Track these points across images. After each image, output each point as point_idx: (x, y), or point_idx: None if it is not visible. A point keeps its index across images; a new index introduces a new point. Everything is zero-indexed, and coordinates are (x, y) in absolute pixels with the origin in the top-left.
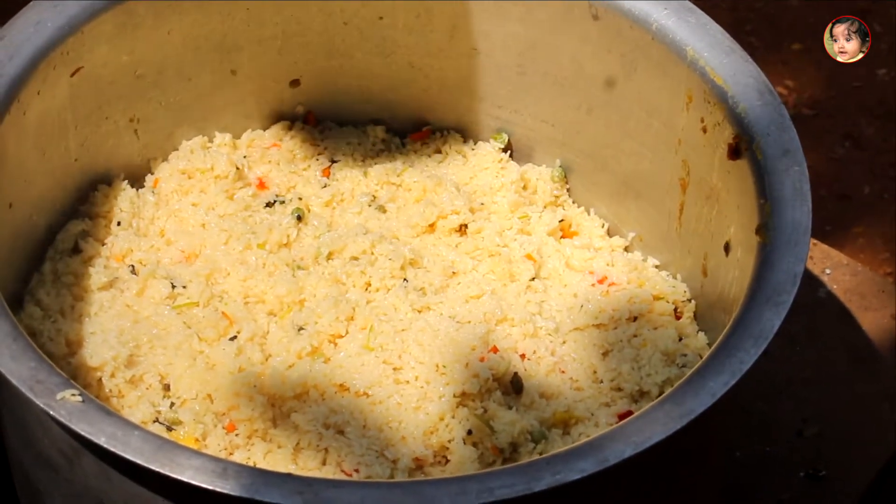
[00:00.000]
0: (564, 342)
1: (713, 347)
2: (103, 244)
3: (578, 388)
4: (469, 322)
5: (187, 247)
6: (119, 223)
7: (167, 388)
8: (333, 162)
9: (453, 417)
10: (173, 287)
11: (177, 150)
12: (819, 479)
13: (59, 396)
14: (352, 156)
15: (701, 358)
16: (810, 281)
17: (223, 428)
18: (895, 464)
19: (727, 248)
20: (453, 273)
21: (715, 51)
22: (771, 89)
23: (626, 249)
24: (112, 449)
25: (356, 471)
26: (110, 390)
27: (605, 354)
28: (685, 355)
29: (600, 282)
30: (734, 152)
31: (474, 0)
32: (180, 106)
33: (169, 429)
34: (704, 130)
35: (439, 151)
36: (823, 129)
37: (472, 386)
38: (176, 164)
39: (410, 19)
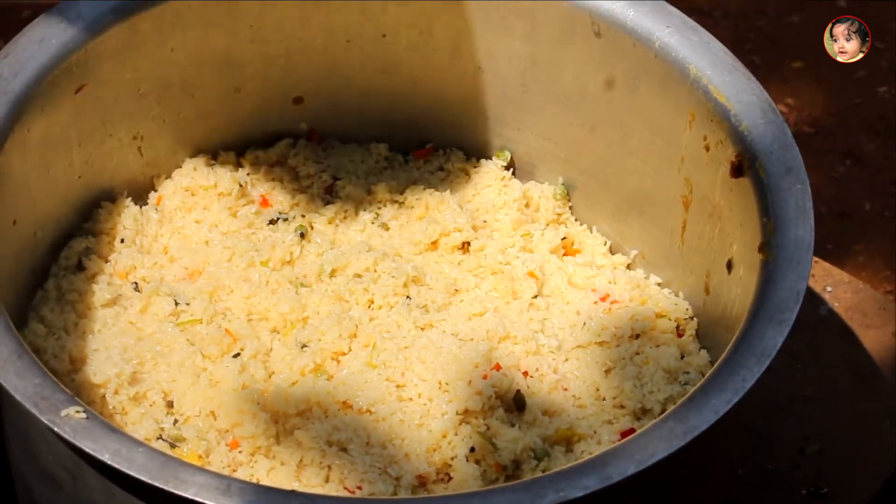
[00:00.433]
0: (567, 360)
1: (716, 365)
2: (107, 261)
3: (581, 405)
4: (472, 339)
5: (191, 264)
6: (122, 240)
7: (170, 405)
8: (336, 179)
9: (456, 435)
10: (176, 304)
11: (180, 167)
12: (821, 497)
13: (63, 413)
14: (355, 173)
15: (703, 376)
16: (812, 298)
17: (226, 445)
18: None
19: (730, 265)
20: (456, 290)
21: (717, 69)
22: (773, 107)
23: (629, 267)
24: (116, 466)
25: (359, 488)
26: (114, 407)
27: (607, 372)
28: (687, 373)
29: (603, 299)
30: (737, 170)
31: (477, 18)
32: (184, 123)
33: (172, 446)
34: (707, 148)
35: (442, 169)
36: (824, 146)
37: (474, 403)
38: (179, 181)
39: (413, 37)
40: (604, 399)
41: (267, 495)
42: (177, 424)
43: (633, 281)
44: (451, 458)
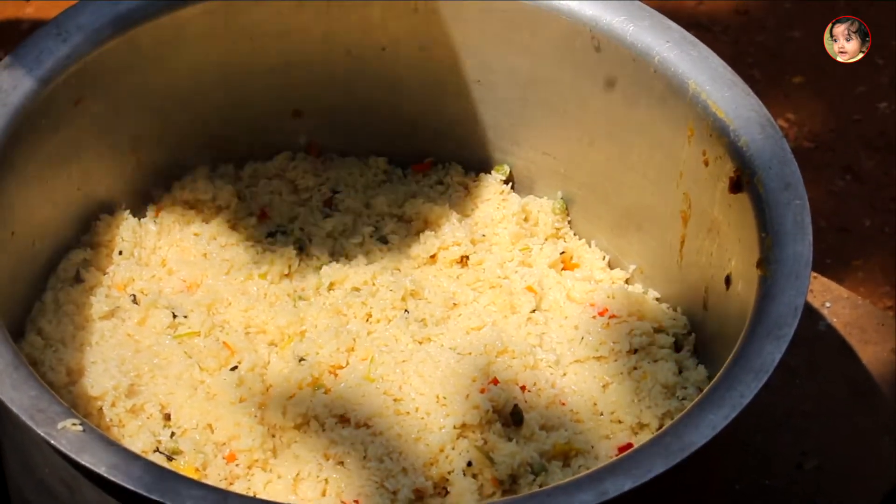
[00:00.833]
0: (565, 374)
1: (713, 381)
2: (105, 273)
3: (578, 420)
4: (470, 354)
5: (189, 276)
6: (121, 252)
7: (168, 417)
8: (335, 193)
9: (453, 449)
10: (174, 317)
11: (179, 179)
12: None
13: (60, 426)
14: (353, 187)
15: (701, 391)
16: (810, 314)
17: (223, 458)
18: (894, 498)
19: (728, 281)
20: (454, 304)
21: (717, 84)
22: (772, 123)
23: (627, 282)
24: (113, 479)
25: (356, 502)
26: (111, 419)
27: (605, 387)
28: (685, 388)
29: (601, 314)
30: (735, 186)
31: (476, 31)
32: (183, 136)
33: (169, 458)
34: (706, 164)
35: (441, 183)
36: (824, 162)
37: (472, 417)
38: (178, 193)
39: (413, 51)
40: (601, 414)
41: None
42: (174, 437)
43: (631, 296)
44: (449, 473)
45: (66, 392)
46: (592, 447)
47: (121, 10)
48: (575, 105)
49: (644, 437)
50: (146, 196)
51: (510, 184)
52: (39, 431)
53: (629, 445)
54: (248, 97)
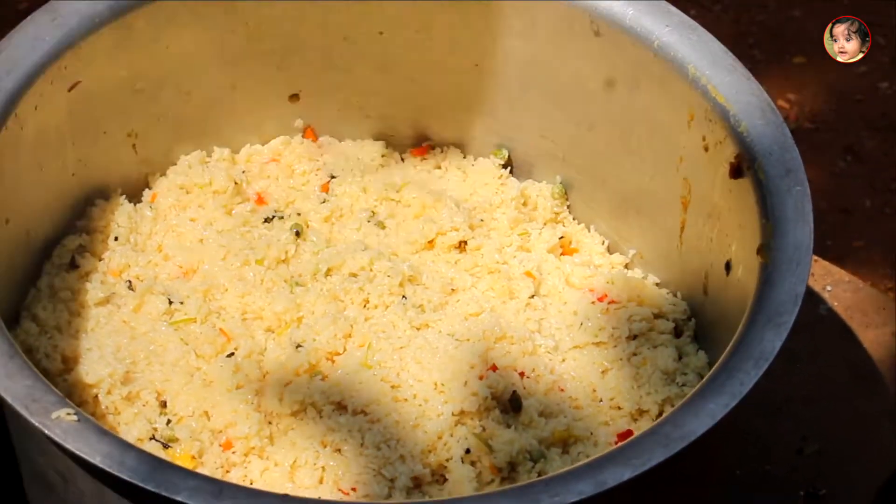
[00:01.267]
0: (564, 360)
1: (713, 368)
2: (100, 259)
3: (577, 406)
4: (468, 340)
5: (185, 262)
6: (116, 238)
7: (164, 404)
8: (332, 177)
9: (451, 436)
10: (170, 303)
11: (175, 164)
12: (819, 499)
13: (54, 415)
14: (351, 171)
15: (701, 377)
16: (811, 298)
17: (220, 445)
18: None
19: (728, 266)
20: (452, 290)
21: (717, 69)
22: (773, 108)
23: (627, 267)
24: (107, 469)
25: (353, 489)
26: (106, 407)
27: (604, 373)
28: (685, 374)
29: (600, 299)
30: (736, 171)
31: (475, 15)
32: (179, 121)
33: (165, 446)
34: (706, 149)
35: (439, 167)
36: (825, 142)
37: (470, 404)
38: (174, 179)
39: (410, 34)
40: (601, 400)
41: (258, 499)
42: (170, 424)
43: (630, 281)
44: (447, 460)
45: (62, 380)
46: (591, 434)
47: None
48: (574, 89)
49: (644, 424)
50: (142, 181)
51: (509, 168)
52: (33, 421)
53: (629, 432)
54: (243, 81)
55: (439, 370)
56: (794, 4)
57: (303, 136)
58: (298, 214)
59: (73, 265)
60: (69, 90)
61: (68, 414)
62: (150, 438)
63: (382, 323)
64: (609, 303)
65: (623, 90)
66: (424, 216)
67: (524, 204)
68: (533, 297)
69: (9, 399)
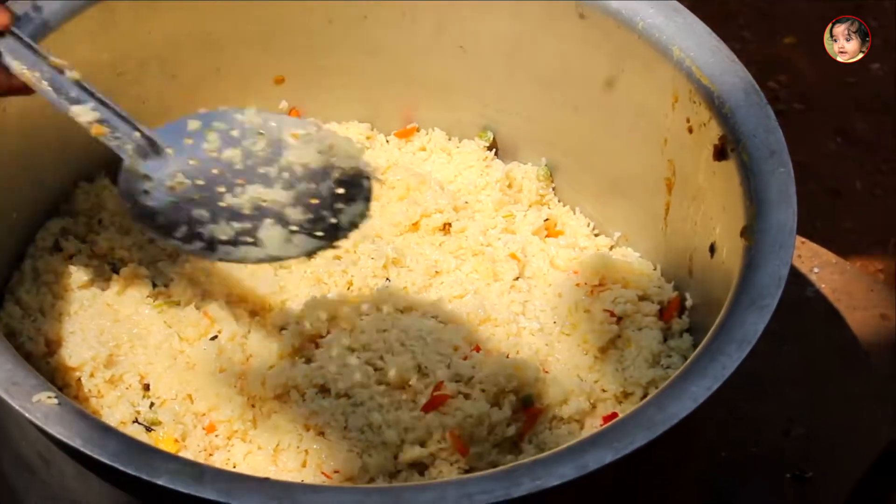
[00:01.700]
0: (548, 343)
1: (696, 351)
2: (84, 242)
3: (562, 389)
4: (452, 322)
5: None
6: (100, 221)
7: (147, 388)
8: None
9: (435, 419)
10: (154, 286)
11: None
12: (805, 481)
13: (34, 399)
14: None
15: (685, 359)
16: (798, 280)
17: (203, 429)
18: (882, 464)
19: (712, 249)
20: (436, 272)
21: (701, 50)
22: (757, 90)
23: (612, 249)
24: (88, 452)
25: (336, 472)
26: (90, 390)
27: (589, 355)
28: (670, 356)
29: (585, 282)
30: (720, 153)
31: None
32: (163, 103)
33: (148, 429)
34: (690, 130)
35: (423, 149)
36: (815, 123)
37: (454, 386)
38: None
39: (395, 17)
40: (585, 382)
41: (240, 483)
42: (153, 408)
43: (616, 263)
44: (430, 444)
45: (45, 363)
46: (576, 416)
47: None
48: (559, 72)
49: (629, 407)
50: None
51: (494, 150)
52: (14, 404)
53: (614, 415)
54: (228, 64)
55: (423, 353)
56: None
57: None
58: None
59: (57, 248)
60: None
61: (49, 397)
62: (133, 422)
63: (366, 306)
64: (594, 285)
65: (608, 73)
66: (409, 198)
67: (509, 186)
68: (517, 279)
69: None
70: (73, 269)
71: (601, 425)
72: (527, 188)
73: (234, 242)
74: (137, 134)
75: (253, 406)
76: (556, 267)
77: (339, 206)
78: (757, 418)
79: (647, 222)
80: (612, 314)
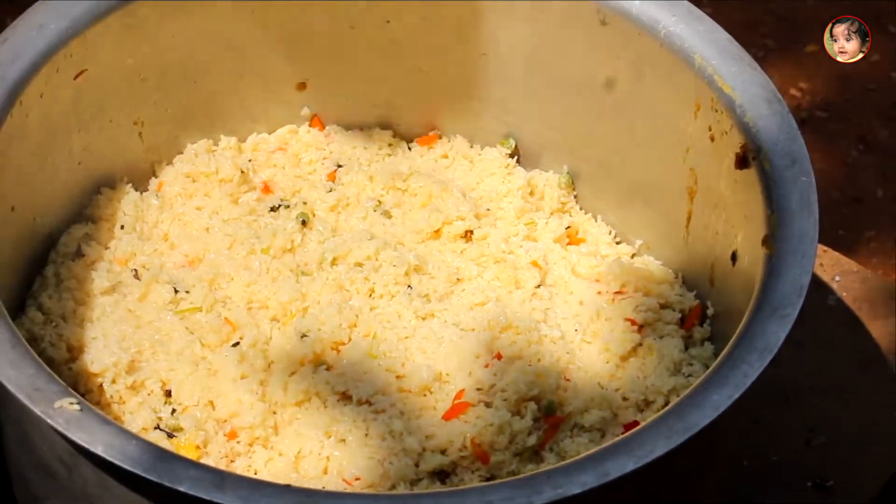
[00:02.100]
0: (569, 351)
1: (717, 360)
2: (106, 248)
3: (583, 397)
4: (473, 329)
5: (191, 251)
6: (122, 227)
7: (168, 394)
8: (339, 166)
9: (456, 426)
10: (176, 292)
11: (181, 153)
12: (826, 489)
13: (57, 405)
14: (357, 160)
15: (707, 367)
16: (820, 288)
17: (224, 435)
18: None
19: (734, 257)
20: (458, 280)
21: (723, 58)
22: (779, 98)
23: (633, 257)
24: (109, 458)
25: (357, 479)
26: (111, 396)
27: (610, 363)
28: (691, 364)
29: (607, 290)
30: (741, 162)
31: (482, 3)
32: (185, 109)
33: (170, 435)
34: (712, 139)
35: (446, 156)
36: (837, 131)
37: (475, 394)
38: (180, 167)
39: (417, 23)
40: (606, 391)
41: (261, 490)
42: (174, 414)
43: (637, 271)
44: (452, 451)
45: (67, 368)
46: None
47: None
48: (581, 79)
49: (650, 415)
50: (148, 170)
51: (515, 158)
52: (36, 410)
53: (635, 423)
54: (250, 70)
55: (444, 360)
56: None
57: (309, 125)
58: (304, 203)
59: (79, 254)
60: (75, 78)
61: (71, 403)
62: (155, 428)
63: (388, 312)
64: (615, 293)
65: (629, 80)
66: (431, 205)
67: (531, 193)
68: (539, 286)
69: (12, 388)
70: (94, 275)
71: (622, 434)
72: (548, 196)
73: None
74: None
75: (274, 413)
76: (577, 275)
77: None
78: (778, 427)
79: (669, 230)
80: (634, 322)
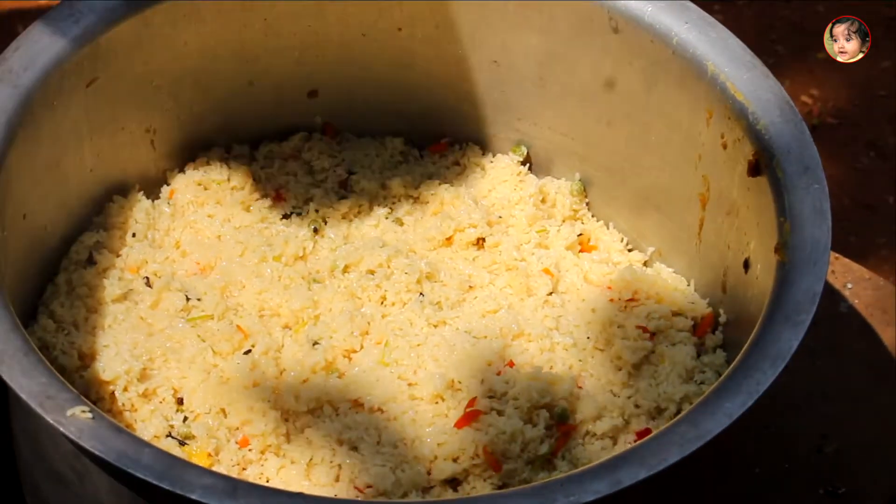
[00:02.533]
0: (581, 358)
1: (730, 367)
2: (118, 256)
3: (596, 404)
4: (485, 337)
5: (203, 259)
6: (134, 234)
7: (180, 402)
8: (351, 174)
9: (468, 434)
10: (188, 299)
11: (193, 160)
12: (838, 497)
13: (69, 413)
14: (369, 168)
15: (719, 375)
16: (831, 295)
17: (236, 443)
18: None
19: (746, 264)
20: (470, 287)
21: (735, 66)
22: (791, 105)
23: (646, 264)
24: (121, 466)
25: (369, 487)
26: (123, 404)
27: (622, 370)
28: (703, 372)
29: (619, 297)
30: (754, 169)
31: (493, 11)
32: (197, 117)
33: (182, 443)
34: (725, 146)
35: (458, 164)
36: (848, 138)
37: (487, 402)
38: (192, 175)
39: (429, 30)
40: (618, 398)
41: (273, 497)
42: (186, 422)
43: (649, 278)
44: (463, 459)
45: (78, 376)
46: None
47: None
48: (593, 86)
49: (662, 423)
50: (160, 177)
51: (527, 165)
52: (48, 418)
53: (647, 431)
54: (262, 77)
55: (456, 368)
56: None
57: (322, 133)
58: (316, 211)
59: (91, 261)
60: (87, 86)
61: (83, 411)
62: (167, 436)
63: (399, 320)
64: (628, 300)
65: (642, 87)
66: (442, 213)
67: (543, 201)
68: (551, 294)
69: (24, 396)
70: (106, 282)
71: (635, 441)
72: (560, 203)
73: None
74: None
75: (286, 420)
76: (589, 282)
77: None
78: (790, 434)
79: (681, 238)
80: (646, 330)
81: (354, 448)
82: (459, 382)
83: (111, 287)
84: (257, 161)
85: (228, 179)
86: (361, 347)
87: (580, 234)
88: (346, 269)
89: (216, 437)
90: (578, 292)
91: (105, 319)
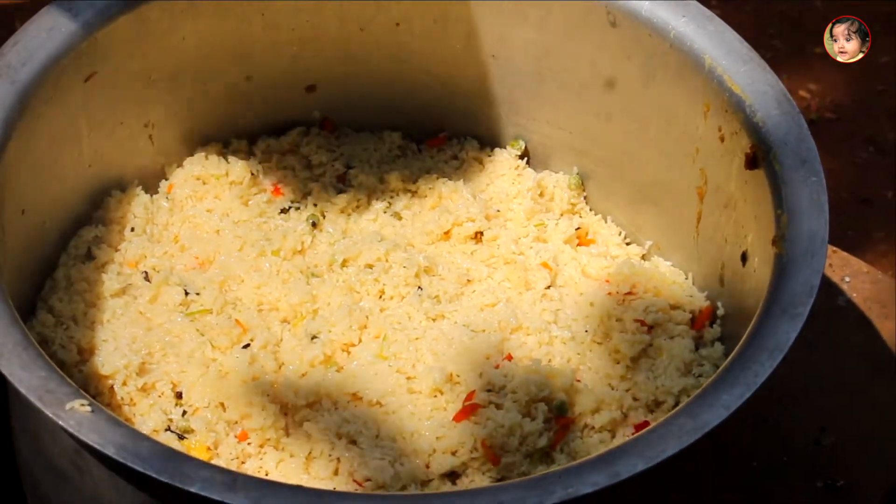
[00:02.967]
0: (579, 352)
1: (728, 360)
2: (117, 250)
3: (594, 397)
4: (484, 330)
5: (201, 253)
6: (133, 229)
7: (179, 396)
8: (349, 168)
9: (467, 427)
10: (186, 294)
11: (191, 155)
12: (836, 490)
13: (68, 406)
14: (368, 162)
15: (717, 368)
16: (829, 288)
17: (235, 437)
18: None
19: (744, 257)
20: (468, 281)
21: (733, 59)
22: (789, 98)
23: (644, 258)
24: (121, 460)
25: (368, 480)
26: (122, 398)
27: (620, 364)
28: (702, 365)
29: (617, 290)
30: (751, 162)
31: (491, 5)
32: (195, 111)
33: (181, 437)
34: (722, 139)
35: (456, 158)
36: (846, 133)
37: (486, 396)
38: (190, 169)
39: (427, 25)
40: (617, 391)
41: (272, 490)
42: (185, 416)
43: (647, 272)
44: (462, 452)
45: (77, 371)
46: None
47: None
48: (590, 80)
49: (660, 416)
50: (158, 172)
51: (525, 159)
52: (47, 412)
53: (645, 423)
54: (260, 72)
55: (455, 361)
56: None
57: (320, 127)
58: (315, 205)
59: (90, 256)
60: (85, 81)
61: (82, 405)
62: (166, 429)
63: (398, 314)
64: (626, 294)
65: (639, 81)
66: (441, 207)
67: (541, 195)
68: (549, 287)
69: (23, 390)
70: (105, 277)
71: (633, 434)
72: (558, 197)
73: None
74: None
75: (285, 414)
76: (587, 276)
77: None
78: (788, 427)
79: (679, 231)
80: (644, 323)
81: (353, 441)
82: (458, 376)
83: (110, 282)
84: (255, 156)
85: (227, 174)
86: (360, 341)
87: (578, 228)
88: (344, 263)
89: (215, 430)
90: (576, 286)
91: (104, 314)
